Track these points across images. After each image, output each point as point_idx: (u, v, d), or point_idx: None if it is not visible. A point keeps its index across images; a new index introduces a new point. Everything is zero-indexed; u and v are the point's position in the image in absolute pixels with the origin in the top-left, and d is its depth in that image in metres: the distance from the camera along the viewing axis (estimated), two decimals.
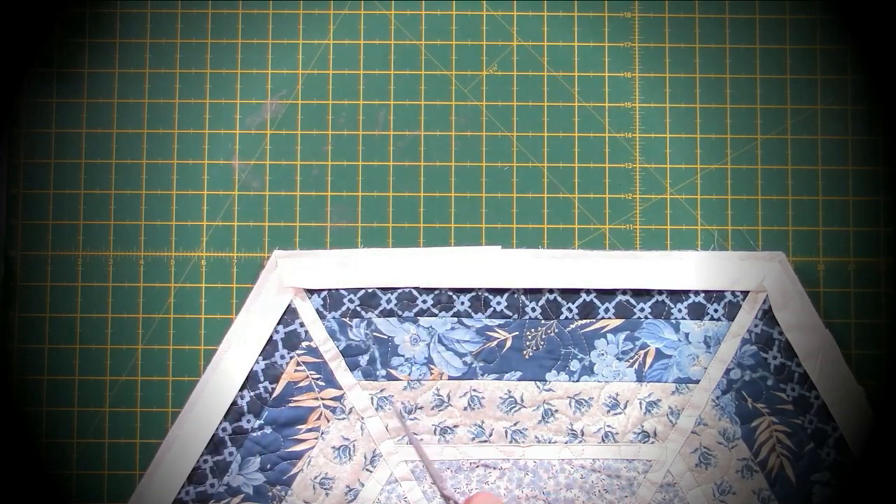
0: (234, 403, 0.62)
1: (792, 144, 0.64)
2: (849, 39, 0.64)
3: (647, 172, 0.64)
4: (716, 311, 0.62)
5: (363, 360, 0.62)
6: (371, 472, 0.62)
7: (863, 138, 0.64)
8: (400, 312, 0.63)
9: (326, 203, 0.64)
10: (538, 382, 0.62)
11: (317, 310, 0.62)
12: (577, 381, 0.62)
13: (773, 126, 0.64)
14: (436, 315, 0.63)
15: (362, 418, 0.62)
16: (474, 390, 0.62)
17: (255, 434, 0.62)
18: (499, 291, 0.63)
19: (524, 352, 0.62)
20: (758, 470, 0.61)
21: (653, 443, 0.62)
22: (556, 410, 0.62)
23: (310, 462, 0.62)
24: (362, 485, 0.62)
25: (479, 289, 0.63)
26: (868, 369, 0.62)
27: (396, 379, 0.62)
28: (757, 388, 0.61)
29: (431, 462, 0.60)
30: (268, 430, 0.62)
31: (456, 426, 0.62)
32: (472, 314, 0.62)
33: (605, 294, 0.63)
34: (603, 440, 0.62)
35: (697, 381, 0.62)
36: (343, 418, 0.62)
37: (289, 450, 0.62)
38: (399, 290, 0.63)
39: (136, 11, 0.65)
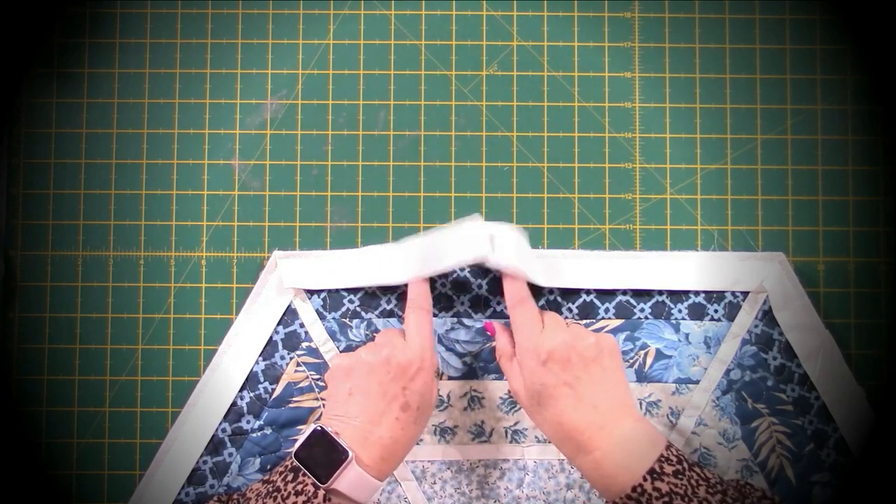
0: (233, 404, 0.62)
1: (792, 144, 0.64)
2: (849, 39, 0.64)
3: (647, 172, 0.64)
4: (716, 311, 0.62)
5: None
6: None
7: (863, 138, 0.64)
8: (400, 313, 0.62)
9: (326, 203, 0.64)
10: None
11: (317, 310, 0.62)
12: None
13: (773, 126, 0.64)
14: (436, 315, 0.62)
15: None
16: (474, 390, 0.62)
17: (254, 435, 0.62)
18: (499, 291, 0.62)
19: None
20: (758, 470, 0.61)
21: None
22: None
23: None
24: None
25: (479, 289, 0.63)
26: (868, 369, 0.62)
27: None
28: (757, 388, 0.61)
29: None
30: (267, 431, 0.62)
31: (456, 426, 0.62)
32: (472, 314, 0.62)
33: (605, 294, 0.63)
34: None
35: (697, 382, 0.62)
36: None
37: (289, 451, 0.62)
38: (399, 291, 0.63)
39: (136, 11, 0.65)
